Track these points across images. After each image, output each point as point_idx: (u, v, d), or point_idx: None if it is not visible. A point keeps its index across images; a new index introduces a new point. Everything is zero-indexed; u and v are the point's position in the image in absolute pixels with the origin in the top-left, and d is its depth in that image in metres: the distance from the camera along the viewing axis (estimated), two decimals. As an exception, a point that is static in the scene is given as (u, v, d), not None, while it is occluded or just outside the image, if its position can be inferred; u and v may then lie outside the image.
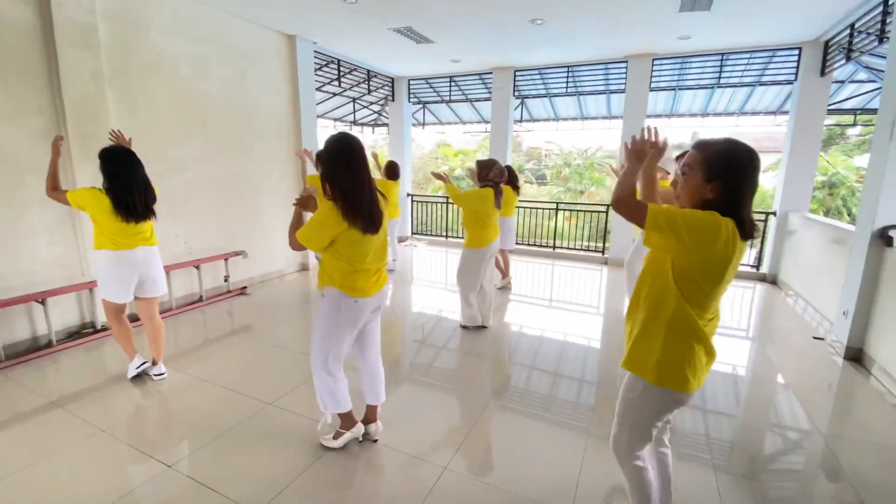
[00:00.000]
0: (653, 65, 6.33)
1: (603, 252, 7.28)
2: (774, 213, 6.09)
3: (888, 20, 3.84)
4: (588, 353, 3.74)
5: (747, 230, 1.32)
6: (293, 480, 2.11)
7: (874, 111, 7.05)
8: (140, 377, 3.11)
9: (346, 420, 2.35)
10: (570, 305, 5.04)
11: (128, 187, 2.75)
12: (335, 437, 2.35)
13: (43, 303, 3.53)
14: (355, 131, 9.54)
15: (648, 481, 1.55)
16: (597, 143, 23.05)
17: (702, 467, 2.23)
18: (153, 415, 2.78)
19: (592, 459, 2.26)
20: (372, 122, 10.09)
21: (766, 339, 4.10)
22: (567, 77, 7.06)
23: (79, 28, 3.65)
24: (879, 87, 6.15)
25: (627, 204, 1.34)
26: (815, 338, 4.00)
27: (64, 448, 2.34)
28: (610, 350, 3.78)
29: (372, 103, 9.01)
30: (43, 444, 2.37)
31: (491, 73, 7.34)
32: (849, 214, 14.08)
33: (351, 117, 9.08)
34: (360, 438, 2.39)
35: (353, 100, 8.61)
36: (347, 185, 1.97)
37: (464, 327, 4.09)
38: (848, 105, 6.97)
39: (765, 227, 6.31)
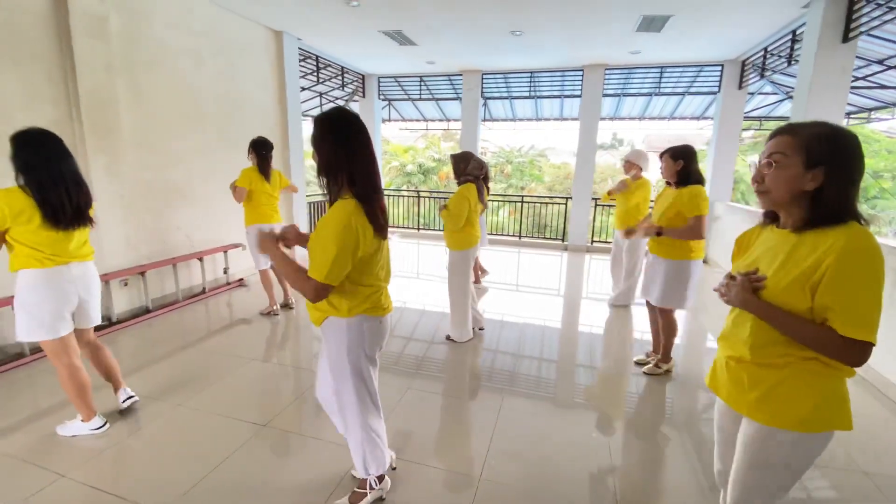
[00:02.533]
0: (605, 74, 7.21)
1: (563, 240, 8.13)
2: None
3: (797, 47, 4.89)
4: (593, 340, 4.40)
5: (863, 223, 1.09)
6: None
7: (778, 118, 8.56)
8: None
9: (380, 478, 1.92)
10: (548, 290, 5.73)
11: (52, 181, 2.05)
12: (353, 502, 1.86)
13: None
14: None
15: None
16: (529, 142, 24.62)
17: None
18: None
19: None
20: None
21: (701, 309, 4.78)
22: (530, 81, 7.78)
23: (92, 18, 3.62)
24: (782, 99, 7.54)
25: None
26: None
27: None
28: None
29: (338, 98, 9.14)
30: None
31: (460, 74, 7.86)
32: (747, 205, 16.41)
33: (318, 111, 9.13)
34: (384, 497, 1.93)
35: (321, 94, 8.71)
36: (362, 169, 1.56)
37: (450, 339, 3.64)
38: (755, 114, 8.39)
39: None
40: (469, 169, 3.41)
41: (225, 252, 5.10)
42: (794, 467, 1.20)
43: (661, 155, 2.95)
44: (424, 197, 9.60)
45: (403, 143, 21.07)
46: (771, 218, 1.28)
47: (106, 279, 3.78)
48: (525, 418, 2.62)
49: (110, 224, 3.89)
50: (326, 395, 1.90)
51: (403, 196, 9.84)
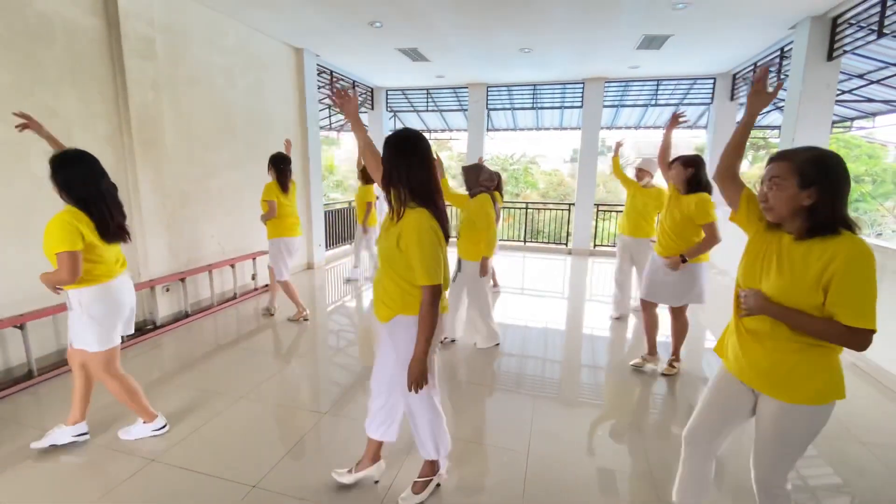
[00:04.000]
0: (604, 86, 7.61)
1: (566, 244, 8.48)
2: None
3: (785, 62, 5.31)
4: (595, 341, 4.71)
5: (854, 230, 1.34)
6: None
7: (766, 127, 9.04)
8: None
9: (430, 464, 2.06)
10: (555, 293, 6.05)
11: (95, 197, 2.14)
12: (418, 492, 2.01)
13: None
14: (332, 135, 9.81)
15: None
16: (521, 150, 25.13)
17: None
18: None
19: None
20: (338, 128, 10.53)
21: (697, 308, 5.21)
22: (533, 93, 8.16)
23: (142, 39, 3.88)
24: (770, 110, 8.01)
25: None
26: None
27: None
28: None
29: (344, 110, 9.44)
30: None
31: (465, 87, 8.21)
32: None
33: (326, 122, 9.42)
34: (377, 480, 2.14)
35: (329, 106, 9.00)
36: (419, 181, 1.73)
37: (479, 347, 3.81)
38: (744, 122, 8.86)
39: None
40: (482, 180, 3.49)
41: (253, 259, 5.34)
42: (809, 435, 1.45)
43: (672, 162, 3.23)
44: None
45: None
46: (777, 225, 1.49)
47: (151, 285, 4.01)
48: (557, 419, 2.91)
49: (155, 233, 4.12)
50: (379, 387, 2.01)
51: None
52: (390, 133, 1.79)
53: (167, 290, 4.28)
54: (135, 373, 3.02)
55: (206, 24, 4.64)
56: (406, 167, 1.70)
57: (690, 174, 3.05)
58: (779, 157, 1.41)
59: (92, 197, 2.12)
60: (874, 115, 6.81)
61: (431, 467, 2.04)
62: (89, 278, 2.14)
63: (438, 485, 2.10)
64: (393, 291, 1.78)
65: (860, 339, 1.31)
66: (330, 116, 9.33)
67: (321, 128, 9.23)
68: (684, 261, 3.04)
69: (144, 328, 4.06)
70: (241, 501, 1.99)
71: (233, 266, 5.00)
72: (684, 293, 3.19)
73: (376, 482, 2.12)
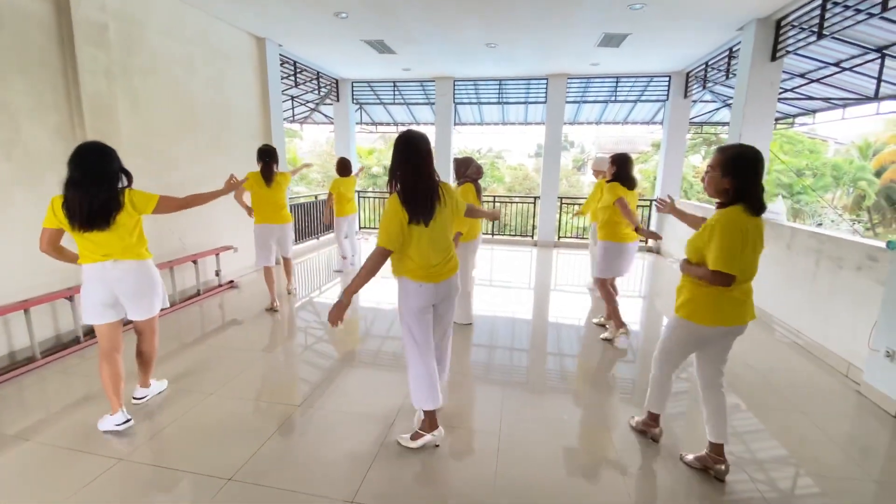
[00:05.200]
0: (567, 82, 7.81)
1: (532, 236, 8.68)
2: (655, 201, 8.00)
3: (733, 62, 5.63)
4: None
5: (757, 208, 1.87)
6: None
7: (716, 123, 9.51)
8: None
9: (431, 420, 2.33)
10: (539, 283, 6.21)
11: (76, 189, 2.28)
12: (413, 438, 2.32)
13: (71, 300, 3.55)
14: (294, 127, 9.62)
15: None
16: (487, 145, 25.44)
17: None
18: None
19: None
20: (301, 119, 10.32)
21: (656, 295, 5.59)
22: (498, 88, 8.27)
23: (94, 25, 3.69)
24: (719, 107, 8.45)
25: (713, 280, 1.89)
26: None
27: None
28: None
29: (308, 101, 9.26)
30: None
31: (433, 80, 8.23)
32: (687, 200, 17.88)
33: (289, 114, 9.21)
34: (438, 444, 2.35)
35: (292, 98, 8.80)
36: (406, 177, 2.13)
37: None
38: (697, 120, 9.30)
39: (649, 211, 8.22)
40: (469, 172, 3.88)
41: (217, 255, 5.20)
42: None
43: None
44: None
45: (364, 145, 21.17)
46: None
47: (109, 283, 3.86)
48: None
49: (112, 228, 3.95)
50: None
51: (369, 197, 9.92)
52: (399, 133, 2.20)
53: (126, 287, 4.12)
54: (96, 374, 2.95)
55: (163, 11, 4.45)
56: (399, 162, 2.14)
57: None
58: (716, 150, 2.00)
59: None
60: (815, 111, 7.32)
61: (429, 422, 2.30)
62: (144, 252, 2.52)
63: (437, 446, 2.33)
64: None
65: (720, 279, 1.88)
66: (293, 108, 9.14)
67: (283, 119, 9.03)
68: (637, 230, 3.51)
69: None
70: (217, 494, 1.98)
71: (195, 262, 4.85)
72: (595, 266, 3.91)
73: (436, 446, 2.35)
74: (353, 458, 2.26)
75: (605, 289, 3.78)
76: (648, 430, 2.46)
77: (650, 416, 2.45)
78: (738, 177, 1.87)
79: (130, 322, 2.56)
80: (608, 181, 3.64)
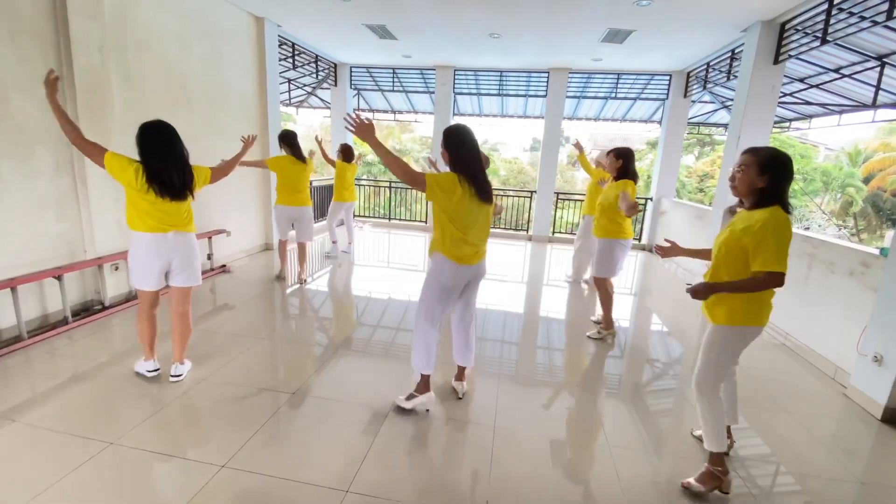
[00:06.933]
0: (568, 77, 7.77)
1: (527, 230, 8.68)
2: (651, 199, 8.04)
3: (735, 63, 5.63)
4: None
5: (788, 209, 1.88)
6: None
7: (713, 125, 9.55)
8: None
9: (425, 383, 2.59)
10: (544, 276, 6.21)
11: (164, 162, 2.50)
12: (408, 399, 2.56)
13: (59, 279, 3.48)
14: (290, 110, 9.47)
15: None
16: (482, 138, 25.26)
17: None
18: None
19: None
20: (297, 104, 10.17)
21: (646, 292, 5.65)
22: (499, 80, 8.20)
23: (88, -3, 3.57)
24: (717, 108, 8.47)
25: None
26: (687, 286, 5.74)
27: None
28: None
29: (305, 85, 9.11)
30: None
31: (433, 69, 8.13)
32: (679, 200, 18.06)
33: (286, 97, 9.05)
34: (428, 409, 2.59)
35: (289, 80, 8.65)
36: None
37: None
38: (694, 120, 9.33)
39: (644, 208, 8.25)
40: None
41: (209, 238, 5.12)
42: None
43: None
44: (383, 186, 9.86)
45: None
46: (740, 205, 2.06)
47: (98, 263, 3.79)
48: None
49: (102, 208, 3.86)
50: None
51: (363, 185, 9.83)
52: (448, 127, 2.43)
53: (116, 268, 4.04)
54: (84, 356, 2.97)
55: (159, -15, 4.32)
56: (454, 150, 2.38)
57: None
58: (747, 151, 1.96)
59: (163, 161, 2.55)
60: (811, 117, 7.37)
61: (423, 384, 2.57)
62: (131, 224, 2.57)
63: (428, 410, 2.58)
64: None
65: (773, 280, 1.84)
66: (290, 91, 8.98)
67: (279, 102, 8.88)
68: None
69: (92, 308, 3.83)
70: (210, 481, 1.96)
71: (188, 245, 4.77)
72: (594, 265, 3.81)
73: (460, 398, 2.73)
74: (348, 446, 2.25)
75: (605, 289, 3.75)
76: (719, 482, 2.02)
77: (714, 458, 2.04)
78: (775, 177, 1.87)
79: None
80: (615, 178, 3.61)
